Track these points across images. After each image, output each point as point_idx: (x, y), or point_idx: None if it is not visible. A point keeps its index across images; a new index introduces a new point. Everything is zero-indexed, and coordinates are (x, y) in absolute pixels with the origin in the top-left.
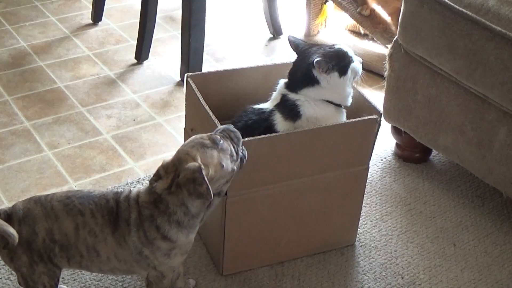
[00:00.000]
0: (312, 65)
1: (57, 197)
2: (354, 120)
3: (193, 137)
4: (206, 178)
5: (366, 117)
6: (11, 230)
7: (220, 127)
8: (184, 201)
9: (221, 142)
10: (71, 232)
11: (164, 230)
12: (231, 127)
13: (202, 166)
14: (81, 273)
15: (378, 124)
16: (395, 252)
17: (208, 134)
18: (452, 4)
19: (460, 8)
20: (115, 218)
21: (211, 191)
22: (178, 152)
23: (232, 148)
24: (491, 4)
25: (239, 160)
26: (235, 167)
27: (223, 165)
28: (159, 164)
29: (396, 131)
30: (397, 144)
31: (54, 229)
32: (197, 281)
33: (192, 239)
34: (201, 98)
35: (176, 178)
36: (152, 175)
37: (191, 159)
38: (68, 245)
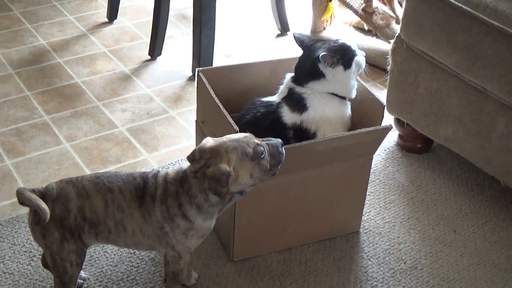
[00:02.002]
0: (318, 59)
1: (86, 177)
2: (368, 129)
3: (242, 135)
4: (229, 184)
5: (382, 126)
6: (44, 206)
7: (273, 141)
8: (205, 189)
9: (263, 156)
10: (101, 209)
11: (185, 208)
12: (280, 146)
13: (232, 173)
14: (98, 259)
15: (382, 115)
16: (398, 239)
17: (257, 142)
18: (452, 1)
19: (460, 4)
20: (141, 194)
21: (228, 196)
22: (220, 144)
23: (268, 166)
24: (489, 1)
25: (269, 174)
26: (263, 178)
27: (252, 175)
28: (172, 155)
29: (398, 122)
30: (399, 135)
31: (86, 207)
32: (208, 266)
33: (209, 225)
34: (211, 92)
35: (205, 167)
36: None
37: (226, 160)
38: (97, 222)
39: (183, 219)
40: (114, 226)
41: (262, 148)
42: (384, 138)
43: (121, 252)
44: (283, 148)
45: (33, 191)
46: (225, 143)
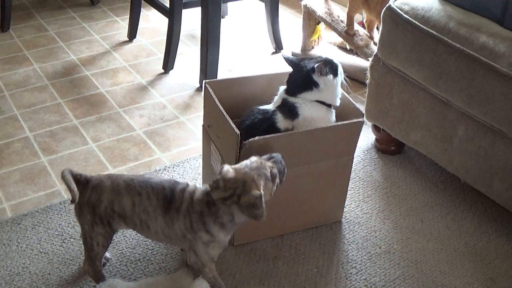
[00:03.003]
0: (313, 70)
1: (124, 178)
2: (344, 122)
3: (257, 162)
4: (264, 205)
5: (355, 120)
6: (74, 188)
7: (276, 158)
8: (233, 213)
9: (276, 176)
10: (129, 208)
11: (209, 226)
12: (281, 160)
13: (263, 195)
14: (119, 242)
15: (361, 126)
16: (374, 227)
17: (270, 166)
18: (421, 25)
19: (427, 28)
20: (168, 204)
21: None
22: (245, 174)
23: (278, 180)
24: (451, 26)
25: (279, 186)
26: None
27: (271, 194)
28: (182, 154)
29: (375, 128)
30: (376, 139)
31: (115, 202)
32: None
33: (229, 238)
34: (217, 100)
35: (233, 195)
36: (211, 183)
37: (255, 187)
38: (125, 216)
39: (205, 233)
40: (139, 223)
41: (276, 170)
42: (358, 133)
43: (139, 236)
44: (283, 160)
45: (79, 175)
46: (249, 173)
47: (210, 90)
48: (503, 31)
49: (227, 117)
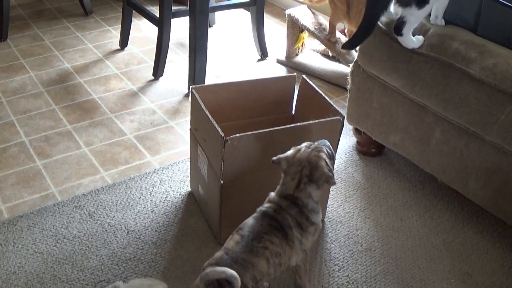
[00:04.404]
0: None
1: (238, 250)
2: (324, 119)
3: (313, 145)
4: (333, 171)
5: (333, 118)
6: (234, 272)
7: (325, 143)
8: (310, 193)
9: (332, 154)
10: (265, 267)
11: (311, 217)
12: (329, 145)
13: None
14: (110, 242)
15: (341, 124)
16: (356, 226)
17: (323, 146)
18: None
19: None
20: (283, 231)
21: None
22: (307, 155)
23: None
24: (426, 36)
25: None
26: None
27: (332, 172)
28: (171, 157)
29: (356, 131)
30: (357, 142)
31: (256, 274)
32: (200, 249)
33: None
34: (202, 105)
35: (304, 177)
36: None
37: (320, 160)
38: (263, 276)
39: (312, 226)
40: (273, 271)
41: (329, 150)
42: (339, 131)
43: (129, 236)
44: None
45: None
46: (310, 153)
47: (197, 95)
48: (475, 38)
49: (213, 120)
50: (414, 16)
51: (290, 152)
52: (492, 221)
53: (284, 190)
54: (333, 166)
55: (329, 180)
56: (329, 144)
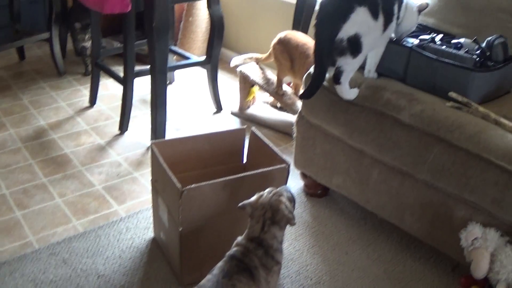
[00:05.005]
0: None
1: (208, 286)
2: (270, 168)
3: (274, 190)
4: (292, 213)
5: (279, 166)
6: None
7: (286, 188)
8: (275, 234)
9: (293, 199)
10: None
11: (276, 257)
12: (290, 190)
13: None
14: (82, 286)
15: (287, 171)
16: (306, 262)
17: (283, 191)
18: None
19: None
20: (249, 271)
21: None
22: (269, 199)
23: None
24: (361, 88)
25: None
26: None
27: (293, 214)
28: (136, 206)
29: (303, 175)
30: (304, 185)
31: None
32: None
33: None
34: (160, 158)
35: (267, 220)
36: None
37: (281, 203)
38: None
39: (276, 265)
40: None
41: (290, 194)
42: (285, 177)
43: (100, 280)
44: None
45: None
46: (271, 197)
47: (155, 150)
48: (404, 88)
49: (170, 173)
50: (349, 65)
51: (253, 198)
52: (428, 249)
53: (251, 233)
54: (294, 208)
55: (290, 221)
56: (290, 189)
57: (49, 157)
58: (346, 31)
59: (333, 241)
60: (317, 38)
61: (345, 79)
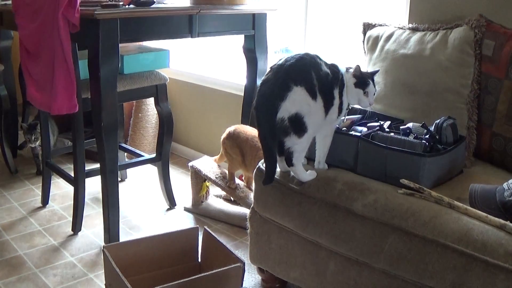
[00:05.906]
0: None
1: None
2: (225, 268)
3: None
4: None
5: (234, 265)
6: None
7: None
8: None
9: None
10: None
11: None
12: None
13: None
14: None
15: (242, 270)
16: None
17: None
18: (286, 183)
19: (292, 185)
20: None
21: None
22: None
23: None
24: (312, 180)
25: None
26: None
27: None
28: None
29: (260, 270)
30: (262, 279)
31: None
32: None
33: None
34: (113, 263)
35: None
36: None
37: None
38: None
39: None
40: None
41: None
42: (241, 276)
43: None
44: None
45: None
46: None
47: (108, 254)
48: (355, 177)
49: (123, 277)
50: (298, 145)
51: None
52: None
53: None
54: None
55: None
56: None
57: (3, 259)
58: (286, 110)
59: None
60: (258, 119)
61: (297, 160)
